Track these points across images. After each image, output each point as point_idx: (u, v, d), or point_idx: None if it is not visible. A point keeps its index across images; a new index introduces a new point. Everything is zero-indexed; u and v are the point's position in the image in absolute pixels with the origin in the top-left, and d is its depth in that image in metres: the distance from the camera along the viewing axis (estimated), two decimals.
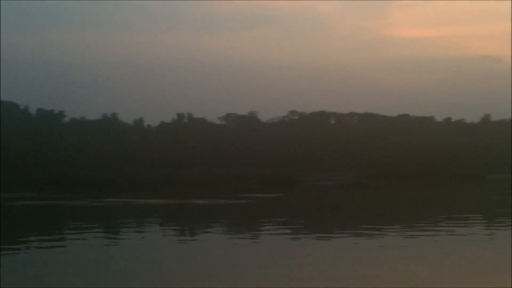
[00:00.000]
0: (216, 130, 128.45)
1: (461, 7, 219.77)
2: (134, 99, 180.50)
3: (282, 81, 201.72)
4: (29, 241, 25.62)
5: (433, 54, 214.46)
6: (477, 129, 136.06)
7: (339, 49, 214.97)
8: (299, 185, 69.59)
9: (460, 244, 23.26)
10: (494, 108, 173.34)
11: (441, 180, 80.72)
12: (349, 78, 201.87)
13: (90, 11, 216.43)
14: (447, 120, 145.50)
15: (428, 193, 59.26)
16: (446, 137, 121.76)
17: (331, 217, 36.24)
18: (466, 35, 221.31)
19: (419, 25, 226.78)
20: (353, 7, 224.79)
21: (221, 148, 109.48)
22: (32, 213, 38.93)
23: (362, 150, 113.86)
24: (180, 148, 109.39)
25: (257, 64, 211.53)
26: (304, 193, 60.43)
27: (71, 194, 54.20)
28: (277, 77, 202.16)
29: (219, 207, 42.95)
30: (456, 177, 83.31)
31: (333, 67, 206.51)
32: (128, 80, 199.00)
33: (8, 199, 48.77)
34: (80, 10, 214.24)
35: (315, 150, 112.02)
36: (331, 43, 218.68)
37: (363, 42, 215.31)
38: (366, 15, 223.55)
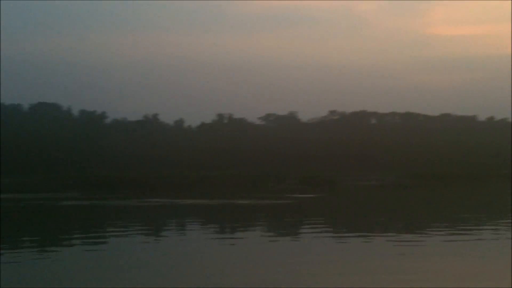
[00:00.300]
0: (256, 130, 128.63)
1: (503, 5, 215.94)
2: (174, 100, 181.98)
3: (322, 81, 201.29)
4: (73, 240, 25.98)
5: (475, 53, 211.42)
6: None
7: (379, 48, 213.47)
8: (339, 186, 69.23)
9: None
10: None
11: (485, 180, 79.50)
12: (390, 77, 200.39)
13: (130, 12, 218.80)
14: (490, 119, 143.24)
15: (470, 193, 58.41)
16: (489, 137, 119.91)
17: (374, 217, 35.94)
18: (508, 33, 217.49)
19: (460, 24, 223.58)
20: (392, 6, 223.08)
21: (261, 149, 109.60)
22: (76, 213, 39.44)
23: (403, 150, 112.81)
24: (220, 149, 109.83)
25: (297, 63, 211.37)
26: (344, 193, 60.10)
27: (112, 194, 54.81)
28: (317, 76, 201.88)
29: (262, 207, 42.97)
30: (500, 177, 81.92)
31: (374, 67, 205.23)
32: (169, 81, 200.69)
33: (52, 199, 49.55)
34: (120, 11, 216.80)
35: (356, 150, 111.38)
36: (370, 42, 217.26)
37: (403, 41, 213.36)
38: (406, 14, 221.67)
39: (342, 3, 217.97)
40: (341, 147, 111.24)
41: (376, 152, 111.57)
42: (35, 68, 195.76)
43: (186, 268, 18.23)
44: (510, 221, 31.10)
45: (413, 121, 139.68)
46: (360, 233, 26.86)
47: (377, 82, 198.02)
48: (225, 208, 42.89)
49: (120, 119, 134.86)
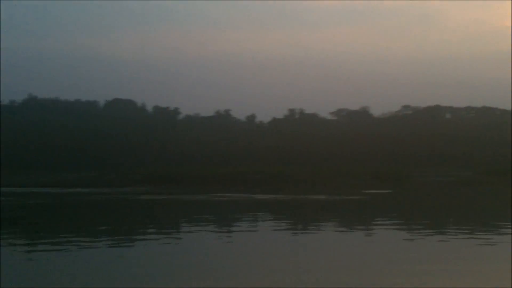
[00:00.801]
0: (327, 125, 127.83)
1: None
2: (246, 95, 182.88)
3: (395, 75, 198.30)
4: (148, 235, 26.35)
5: None
6: None
7: (452, 41, 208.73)
8: (412, 181, 68.03)
9: None
10: None
11: None
12: (464, 70, 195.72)
13: (201, 10, 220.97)
14: None
15: None
16: None
17: (447, 214, 35.12)
18: None
19: None
20: None
21: (332, 144, 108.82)
22: (150, 207, 40.05)
23: (479, 145, 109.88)
24: (292, 144, 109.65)
25: (369, 58, 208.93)
26: (417, 189, 59.01)
27: (185, 189, 55.48)
28: (390, 70, 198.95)
29: (334, 203, 42.69)
30: None
31: (448, 60, 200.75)
32: (241, 77, 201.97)
33: (126, 193, 50.59)
34: (191, 9, 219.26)
35: (430, 145, 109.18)
36: (445, 35, 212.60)
37: (478, 33, 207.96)
38: (481, 6, 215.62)
39: None
40: (415, 143, 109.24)
41: (451, 147, 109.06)
42: (111, 65, 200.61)
43: (261, 264, 18.14)
44: None
45: (489, 115, 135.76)
46: (439, 230, 26.25)
47: (452, 75, 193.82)
48: (298, 203, 42.77)
49: (193, 115, 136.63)
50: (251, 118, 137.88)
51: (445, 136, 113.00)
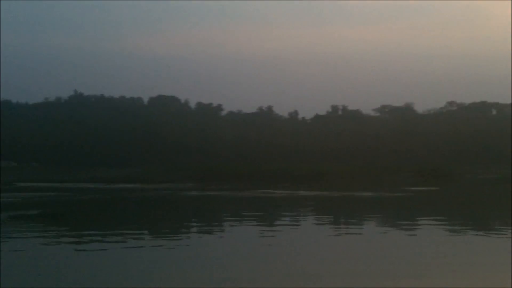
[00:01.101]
0: (370, 122, 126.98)
1: None
2: (289, 92, 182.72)
3: (439, 71, 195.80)
4: (191, 229, 26.70)
5: None
6: None
7: (497, 38, 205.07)
8: (458, 179, 67.23)
9: None
10: None
11: None
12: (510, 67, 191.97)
13: (247, 8, 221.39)
14: None
15: None
16: None
17: (493, 213, 34.68)
18: None
19: None
20: None
21: (376, 140, 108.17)
22: (195, 204, 40.45)
23: None
24: (335, 141, 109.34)
25: (412, 54, 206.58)
26: (462, 186, 58.34)
27: (228, 185, 55.85)
28: (435, 66, 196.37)
29: (379, 199, 42.53)
30: None
31: (493, 56, 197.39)
32: (283, 73, 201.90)
33: (171, 189, 51.16)
34: (237, 7, 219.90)
35: (475, 142, 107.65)
36: (490, 31, 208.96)
37: None
38: None
39: None
40: (460, 139, 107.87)
41: (497, 144, 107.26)
42: (155, 62, 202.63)
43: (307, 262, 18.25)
44: None
45: None
46: (485, 229, 25.98)
47: (498, 72, 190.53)
48: (341, 200, 42.73)
49: (236, 111, 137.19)
50: (294, 114, 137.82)
51: (491, 132, 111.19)
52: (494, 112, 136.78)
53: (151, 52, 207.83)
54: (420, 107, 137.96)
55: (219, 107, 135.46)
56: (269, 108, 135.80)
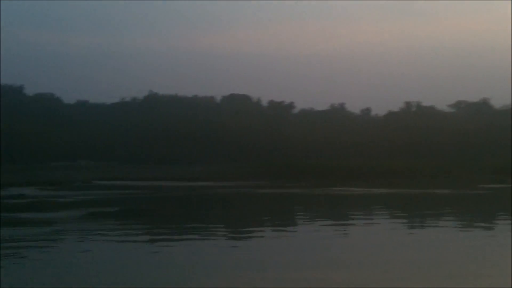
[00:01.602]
0: (445, 118, 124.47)
1: None
2: (361, 88, 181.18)
3: None
4: (264, 226, 26.96)
5: None
6: None
7: None
8: None
9: None
10: None
11: None
12: None
13: (317, 6, 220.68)
14: None
15: None
16: None
17: None
18: None
19: None
20: None
21: (451, 137, 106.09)
22: (269, 201, 40.67)
23: None
24: (408, 137, 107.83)
25: (488, 48, 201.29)
26: None
27: (301, 183, 55.91)
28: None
29: (455, 197, 41.87)
30: None
31: None
32: (355, 70, 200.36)
33: (245, 187, 51.59)
34: (308, 5, 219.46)
35: None
36: None
37: None
38: None
39: None
40: None
41: None
42: (227, 61, 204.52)
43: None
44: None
45: None
46: None
47: None
48: (419, 197, 42.18)
49: (307, 109, 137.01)
50: (366, 111, 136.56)
51: None
52: None
53: (224, 50, 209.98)
54: (498, 102, 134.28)
55: (291, 105, 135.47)
56: (341, 105, 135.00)
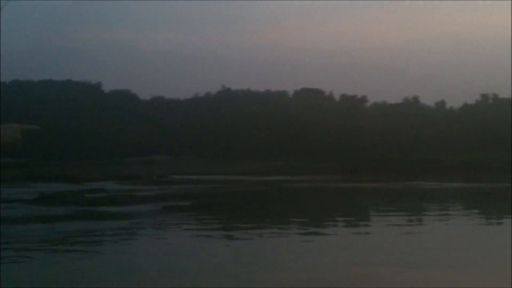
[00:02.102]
0: None
1: None
2: (435, 81, 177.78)
3: None
4: (337, 221, 26.99)
5: None
6: None
7: None
8: None
9: None
10: None
11: None
12: None
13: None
14: None
15: None
16: None
17: None
18: None
19: None
20: None
21: None
22: (343, 195, 40.56)
23: None
24: (485, 130, 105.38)
25: None
26: None
27: (376, 177, 55.52)
28: None
29: None
30: None
31: None
32: (429, 62, 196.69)
33: (318, 181, 51.65)
34: None
35: None
36: None
37: None
38: None
39: None
40: None
41: None
42: (300, 55, 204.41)
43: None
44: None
45: None
46: None
47: None
48: (496, 192, 41.25)
49: (380, 102, 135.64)
50: (441, 104, 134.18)
51: None
52: None
53: (296, 45, 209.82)
54: None
55: (364, 99, 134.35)
56: (415, 98, 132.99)
